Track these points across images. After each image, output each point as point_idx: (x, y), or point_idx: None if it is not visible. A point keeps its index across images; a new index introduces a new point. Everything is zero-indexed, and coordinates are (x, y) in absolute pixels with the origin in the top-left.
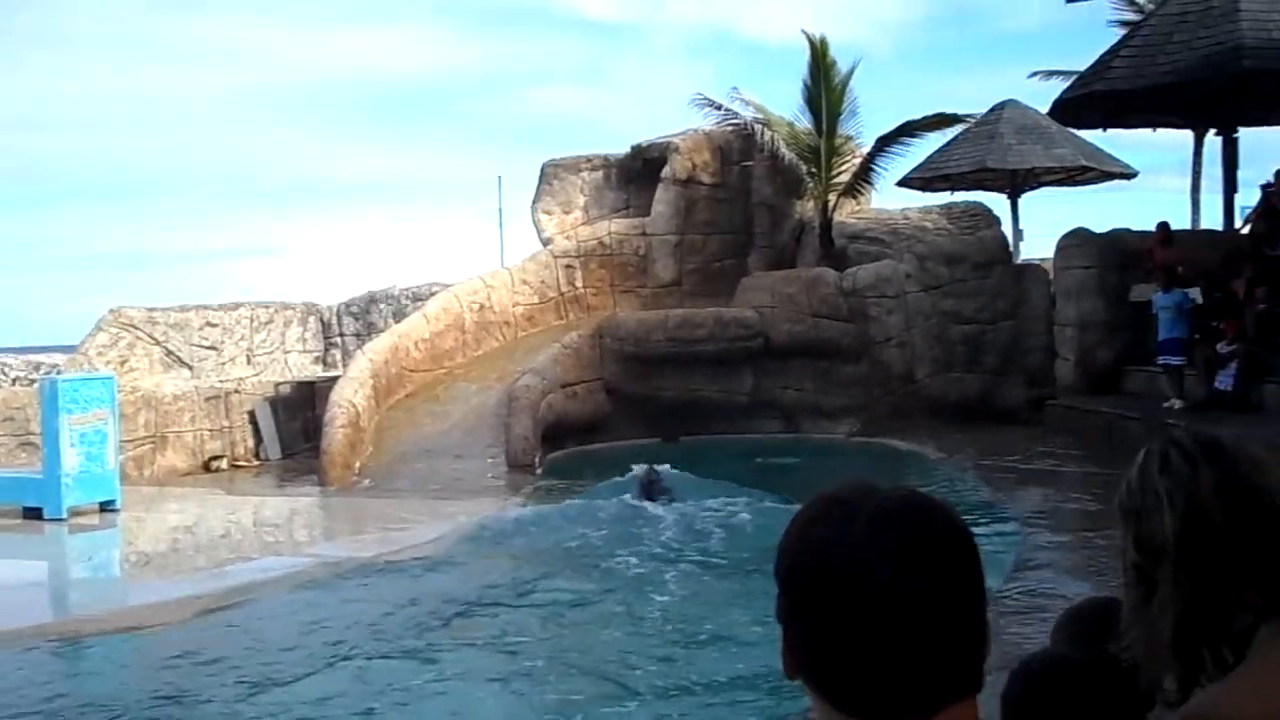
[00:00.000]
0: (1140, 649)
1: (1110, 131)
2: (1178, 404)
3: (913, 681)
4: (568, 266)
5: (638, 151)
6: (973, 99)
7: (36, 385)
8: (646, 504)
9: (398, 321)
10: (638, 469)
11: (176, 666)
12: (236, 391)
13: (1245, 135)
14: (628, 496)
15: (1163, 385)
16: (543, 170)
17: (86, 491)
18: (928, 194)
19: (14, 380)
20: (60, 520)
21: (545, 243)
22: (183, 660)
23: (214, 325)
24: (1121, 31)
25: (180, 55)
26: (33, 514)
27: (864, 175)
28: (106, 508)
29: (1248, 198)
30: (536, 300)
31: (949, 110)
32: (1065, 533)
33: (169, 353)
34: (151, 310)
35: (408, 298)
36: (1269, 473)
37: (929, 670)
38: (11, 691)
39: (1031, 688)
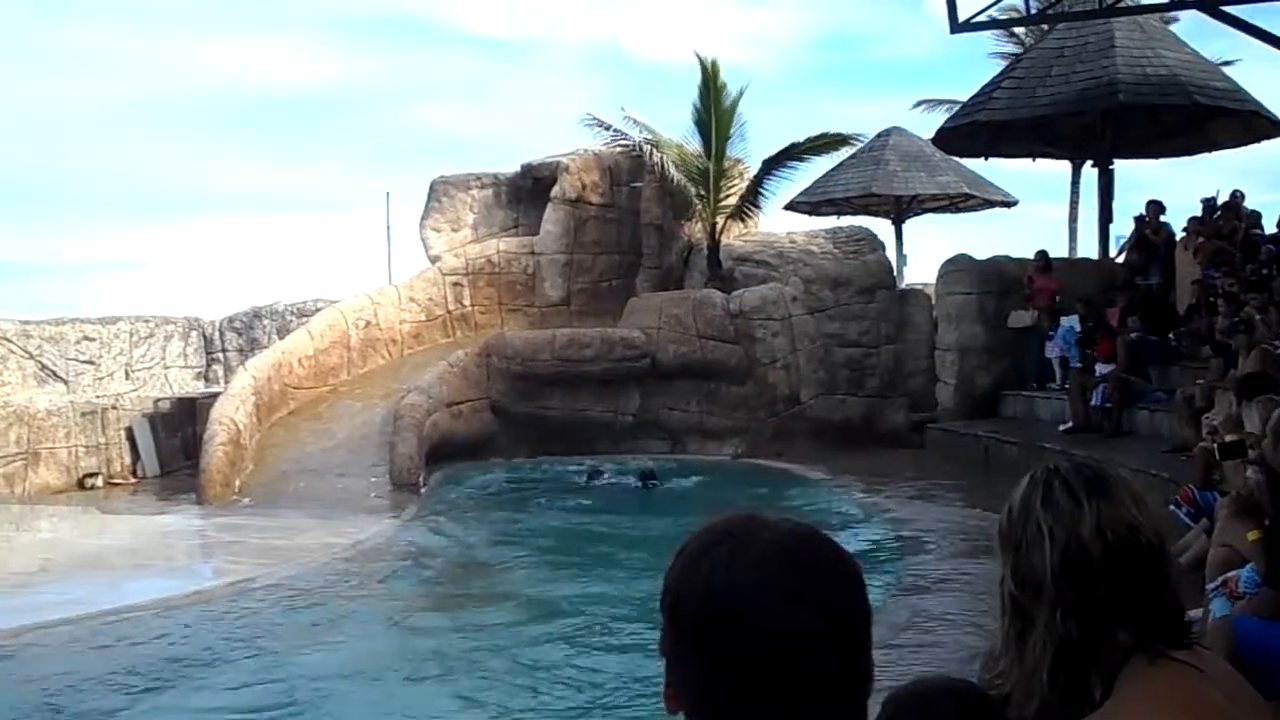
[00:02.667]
0: (1013, 681)
1: (991, 160)
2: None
3: (799, 718)
4: (456, 284)
5: (528, 170)
6: (860, 124)
7: None
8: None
9: (282, 338)
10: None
11: (32, 688)
12: (114, 407)
13: (1121, 166)
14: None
15: (1066, 409)
16: (432, 187)
17: None
18: (814, 218)
19: None
20: None
21: (433, 260)
22: (37, 681)
23: (91, 339)
24: (1003, 63)
25: (53, 63)
26: None
27: (751, 198)
28: None
29: (1123, 227)
30: (424, 318)
31: (833, 131)
32: (941, 556)
33: (43, 367)
34: (25, 323)
35: (292, 313)
36: (1147, 510)
37: (815, 707)
38: None
39: None
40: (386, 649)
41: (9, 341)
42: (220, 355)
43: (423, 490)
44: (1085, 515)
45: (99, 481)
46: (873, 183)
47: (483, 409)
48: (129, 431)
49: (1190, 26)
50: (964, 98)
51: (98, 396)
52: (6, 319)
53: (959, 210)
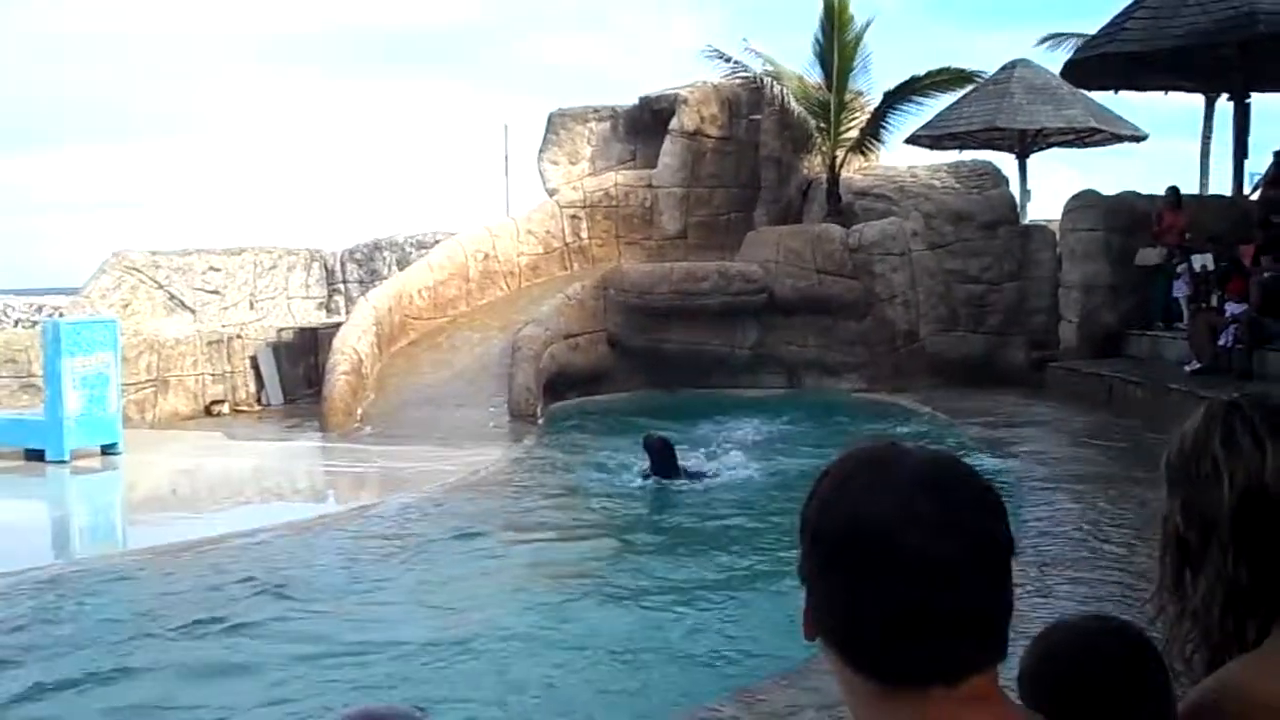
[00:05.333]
0: (1170, 620)
1: (1121, 93)
2: (1193, 366)
3: (941, 649)
4: (573, 217)
5: (646, 103)
6: (984, 58)
7: (39, 327)
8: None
9: (401, 269)
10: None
11: (164, 607)
12: (239, 336)
13: (1258, 100)
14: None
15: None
16: (550, 120)
17: (88, 434)
18: (936, 152)
19: (16, 322)
20: (62, 463)
21: (551, 193)
22: (168, 600)
23: (217, 270)
24: None
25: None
26: (35, 456)
27: (872, 131)
28: (108, 450)
29: (1259, 163)
30: (541, 250)
31: (955, 65)
32: (1067, 496)
33: (171, 296)
34: (155, 254)
35: (412, 245)
36: None
37: (957, 638)
38: (10, 629)
39: (1052, 664)
40: (501, 577)
41: (139, 272)
42: (341, 286)
43: (539, 421)
44: (1269, 458)
45: (225, 409)
46: (997, 116)
47: (599, 341)
48: (253, 360)
49: None
50: (1092, 31)
51: (223, 326)
52: (137, 250)
53: (1085, 145)
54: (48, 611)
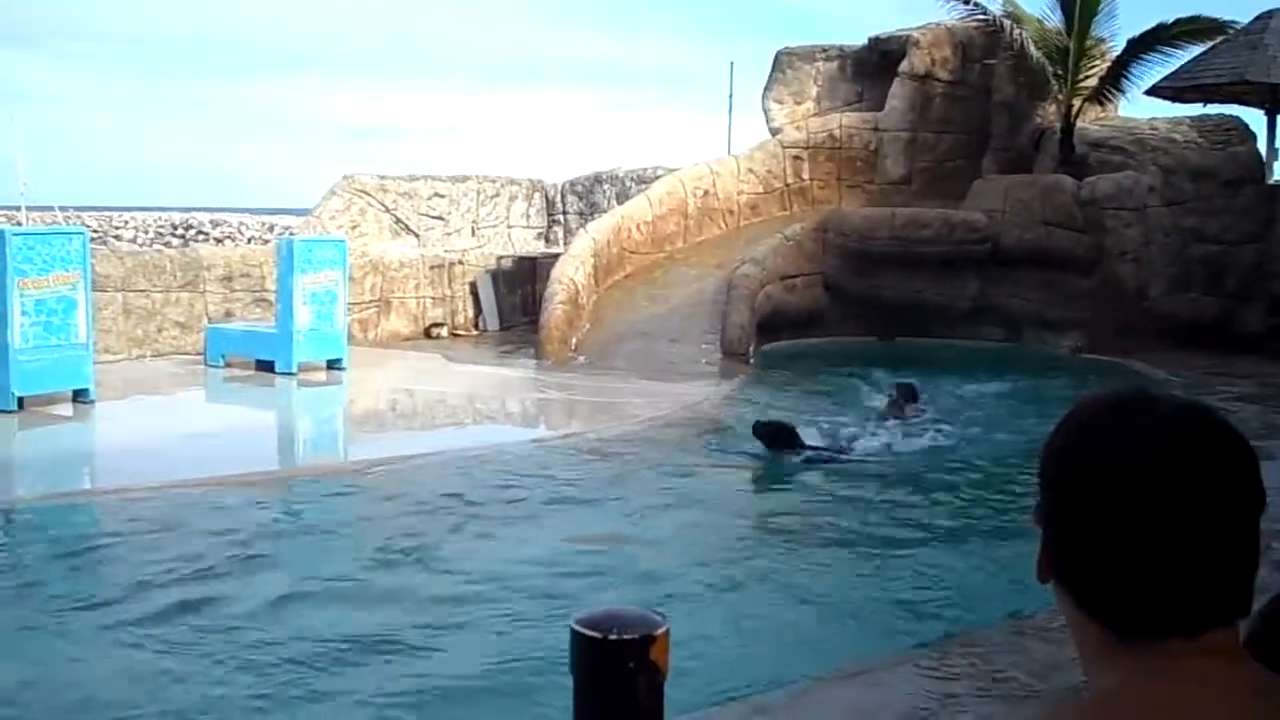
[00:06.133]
0: None
1: None
2: None
3: (1183, 598)
4: (795, 158)
5: (875, 43)
6: (1233, 7)
7: (273, 244)
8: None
9: (620, 203)
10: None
11: (378, 517)
12: (460, 262)
13: None
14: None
15: None
16: (776, 58)
17: (316, 349)
18: (1178, 105)
19: (249, 240)
20: (290, 375)
21: (774, 132)
22: (382, 510)
23: (441, 196)
24: None
25: None
26: (265, 367)
27: (1112, 81)
28: (333, 365)
29: None
30: (761, 190)
31: (1208, 14)
32: None
33: (397, 220)
34: (383, 178)
35: (631, 180)
36: None
37: (1201, 588)
38: (240, 526)
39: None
40: (705, 512)
41: (368, 195)
42: (560, 217)
43: (751, 360)
44: None
45: (444, 332)
46: (1248, 69)
47: (815, 284)
48: (473, 286)
49: None
50: None
51: (445, 251)
52: (367, 174)
53: None
54: (272, 514)
